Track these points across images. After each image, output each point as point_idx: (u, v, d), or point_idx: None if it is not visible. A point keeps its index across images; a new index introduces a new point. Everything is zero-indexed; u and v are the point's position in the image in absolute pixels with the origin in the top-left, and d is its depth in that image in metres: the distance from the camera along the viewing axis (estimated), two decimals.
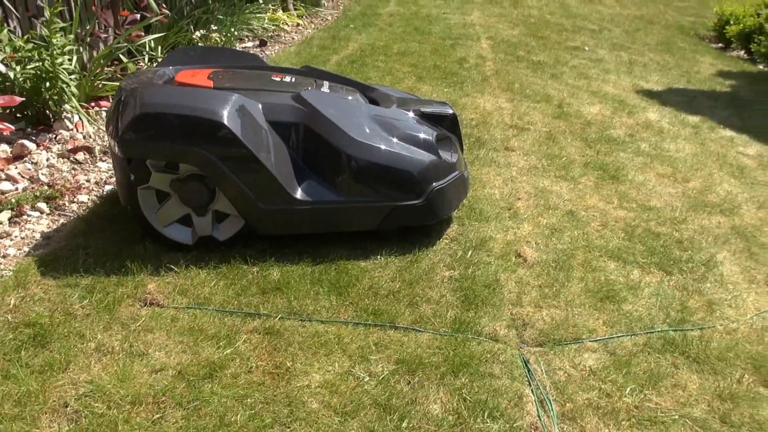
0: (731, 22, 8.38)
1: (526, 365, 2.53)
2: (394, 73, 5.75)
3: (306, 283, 2.86)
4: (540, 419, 2.30)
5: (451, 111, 3.42)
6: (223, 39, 6.31)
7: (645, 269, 3.22)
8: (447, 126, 3.38)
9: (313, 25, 7.90)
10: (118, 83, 4.95)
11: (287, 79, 3.30)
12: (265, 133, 2.85)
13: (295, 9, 8.28)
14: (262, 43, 6.80)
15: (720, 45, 8.61)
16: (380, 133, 3.02)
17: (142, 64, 5.54)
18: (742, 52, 8.26)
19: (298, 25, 7.79)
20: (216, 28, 6.35)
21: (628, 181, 4.16)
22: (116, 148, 2.80)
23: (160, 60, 3.54)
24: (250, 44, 6.79)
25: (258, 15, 7.41)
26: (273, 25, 7.43)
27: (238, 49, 3.93)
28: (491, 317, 2.76)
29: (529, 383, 2.45)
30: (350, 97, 3.26)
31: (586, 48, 7.35)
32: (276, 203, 2.89)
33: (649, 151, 4.70)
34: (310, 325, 2.64)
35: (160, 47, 5.80)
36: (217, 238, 3.04)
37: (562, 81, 6.12)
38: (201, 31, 6.24)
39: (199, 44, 4.37)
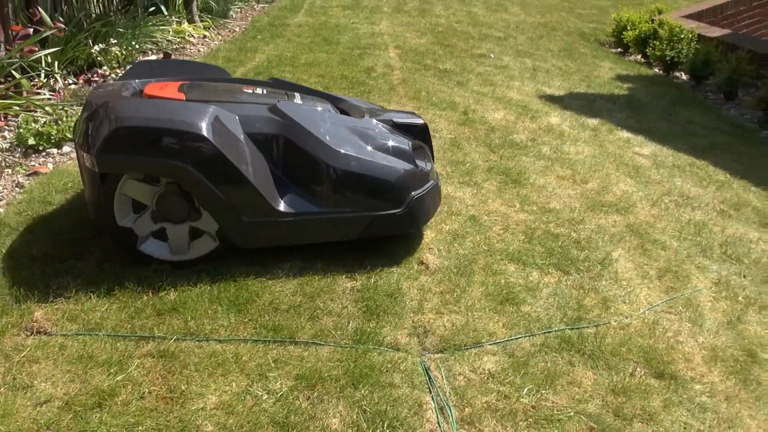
0: (628, 28, 8.74)
1: (427, 372, 2.55)
2: (300, 84, 5.72)
3: (204, 302, 2.79)
4: (440, 426, 2.31)
5: (421, 121, 3.46)
6: (124, 53, 6.13)
7: (544, 270, 3.30)
8: (418, 136, 3.40)
9: (220, 37, 7.79)
10: (10, 101, 4.73)
11: (259, 91, 3.29)
12: (243, 145, 2.81)
13: (202, 21, 8.14)
14: (166, 56, 6.64)
15: (619, 50, 8.98)
16: (358, 143, 3.04)
17: (37, 80, 5.31)
18: (639, 57, 8.64)
19: (204, 37, 7.65)
20: (116, 41, 6.16)
21: (529, 185, 4.27)
22: (90, 163, 2.71)
23: (121, 73, 3.42)
24: (153, 57, 6.62)
25: (162, 27, 7.25)
26: (178, 38, 7.28)
27: (199, 61, 3.85)
28: (393, 326, 2.76)
29: (430, 390, 2.46)
30: (323, 108, 3.23)
31: (492, 55, 7.53)
32: (258, 215, 2.86)
33: (550, 154, 4.84)
34: (207, 345, 2.57)
35: (57, 62, 5.58)
36: (187, 256, 3.00)
37: (468, 88, 6.24)
38: (100, 45, 6.04)
39: (154, 57, 4.17)
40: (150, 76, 3.33)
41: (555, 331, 2.86)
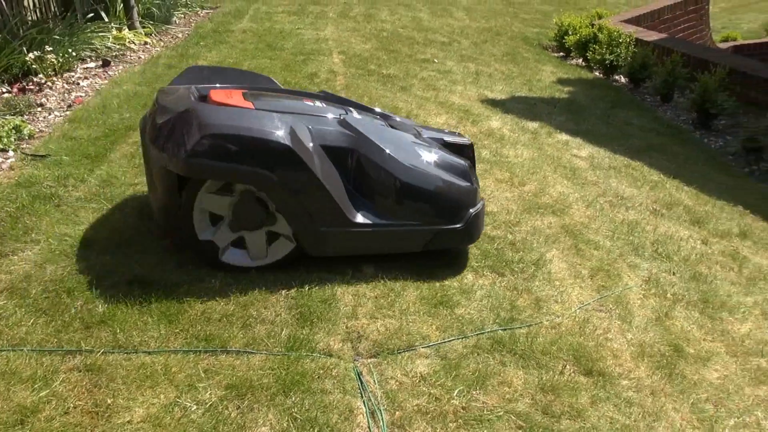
0: (569, 33, 8.92)
1: (359, 377, 2.56)
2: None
3: (134, 314, 2.75)
4: (370, 430, 2.33)
5: (468, 141, 3.57)
6: (60, 60, 6.00)
7: (479, 273, 3.35)
8: (464, 155, 3.48)
9: (162, 44, 7.68)
10: None
11: (318, 104, 3.34)
12: (319, 156, 2.90)
13: (143, 27, 8.01)
14: (105, 63, 6.52)
15: (561, 54, 9.15)
16: (423, 160, 3.13)
17: None
18: (580, 60, 8.82)
19: (145, 43, 7.53)
20: (51, 48, 6.03)
21: None
22: (174, 166, 2.76)
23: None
24: (92, 64, 6.50)
25: (101, 34, 7.11)
26: (118, 45, 7.15)
27: (247, 70, 3.81)
28: (326, 332, 2.77)
29: (361, 395, 2.48)
30: (384, 124, 3.34)
31: (436, 60, 7.59)
32: (334, 225, 2.94)
33: (489, 157, 4.91)
34: (136, 357, 2.53)
35: None
36: (221, 257, 3.06)
37: (411, 93, 6.28)
38: (35, 52, 5.90)
39: (205, 64, 3.98)
40: (201, 81, 3.36)
41: (488, 332, 2.90)
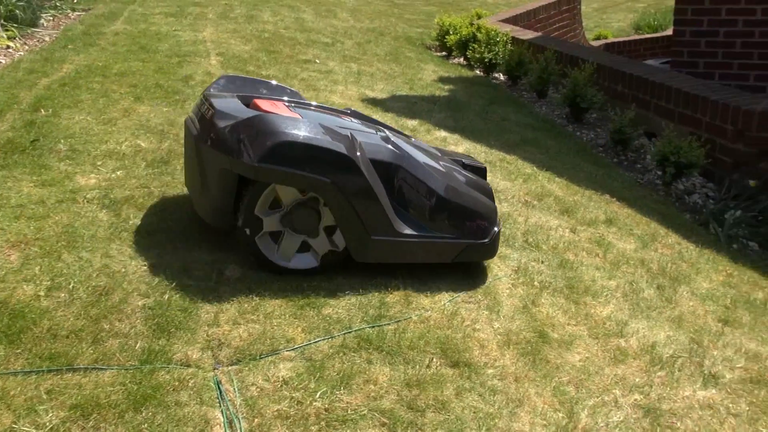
0: (451, 32, 9.10)
1: (218, 386, 2.46)
2: (109, 95, 5.42)
3: None
4: None
5: (483, 166, 3.83)
6: None
7: (349, 272, 3.31)
8: (482, 177, 3.75)
9: (27, 47, 7.24)
10: None
11: (355, 121, 3.56)
12: (371, 170, 3.10)
13: (6, 30, 7.52)
14: None
15: (443, 53, 9.32)
16: (458, 179, 3.41)
17: None
18: (462, 59, 9.01)
19: (8, 47, 7.08)
20: None
21: None
22: (244, 170, 2.93)
23: (211, 85, 3.61)
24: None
25: None
26: None
27: (276, 83, 3.82)
28: (185, 342, 2.65)
29: (220, 405, 2.38)
30: (418, 144, 3.63)
31: (317, 61, 7.54)
32: (384, 234, 3.13)
33: None
34: None
35: None
36: (289, 265, 3.19)
37: None
38: None
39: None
40: (237, 90, 3.52)
41: (355, 330, 2.87)
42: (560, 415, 2.64)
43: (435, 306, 3.16)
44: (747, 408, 2.87)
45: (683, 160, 5.67)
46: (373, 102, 6.38)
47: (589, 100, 6.81)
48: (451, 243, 3.32)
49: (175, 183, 3.95)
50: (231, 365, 2.58)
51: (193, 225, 3.49)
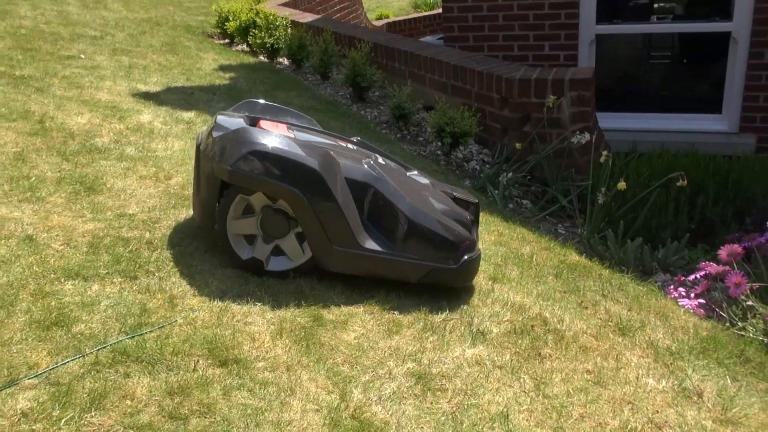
0: (230, 19, 8.84)
1: None
2: None
3: None
4: None
5: (475, 200, 4.00)
6: None
7: (106, 280, 3.07)
8: (470, 211, 3.91)
9: None
10: None
11: (350, 146, 3.81)
12: (343, 187, 3.34)
13: None
14: None
15: (226, 41, 9.05)
16: (432, 205, 3.56)
17: None
18: (245, 46, 8.80)
19: None
20: None
21: (106, 191, 3.98)
22: (222, 174, 3.23)
23: (234, 106, 3.91)
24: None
25: None
26: None
27: (298, 112, 4.01)
28: None
29: None
30: (404, 171, 3.85)
31: (83, 56, 6.97)
32: (345, 246, 3.33)
33: (134, 154, 4.60)
34: None
35: None
36: (266, 267, 3.39)
37: (49, 94, 5.66)
38: None
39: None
40: (255, 113, 3.79)
41: (111, 344, 2.65)
42: (333, 396, 2.62)
43: (203, 305, 3.02)
44: (510, 358, 3.04)
45: (457, 129, 5.95)
46: (146, 96, 6.02)
47: (369, 79, 6.93)
48: (416, 264, 3.44)
49: None
50: None
51: None
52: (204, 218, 3.52)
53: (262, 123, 3.61)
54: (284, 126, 3.69)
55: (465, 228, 3.66)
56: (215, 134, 3.43)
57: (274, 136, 3.32)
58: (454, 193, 4.05)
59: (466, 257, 3.54)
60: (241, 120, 3.62)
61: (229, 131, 3.40)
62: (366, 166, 3.57)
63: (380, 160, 3.86)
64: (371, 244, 3.42)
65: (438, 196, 3.80)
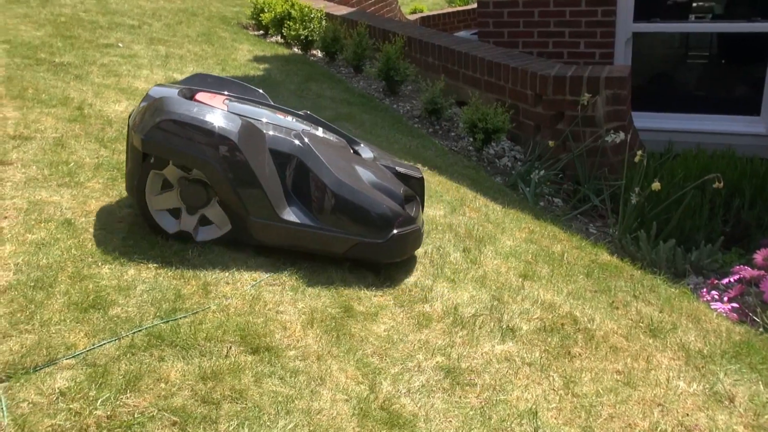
0: (265, 10, 8.89)
1: None
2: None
3: None
4: None
5: (420, 175, 3.96)
6: None
7: (143, 265, 3.12)
8: (413, 186, 3.87)
9: None
10: None
11: (289, 119, 3.74)
12: (264, 157, 3.30)
13: None
14: None
15: (260, 32, 9.10)
16: (358, 177, 3.49)
17: None
18: (279, 38, 8.85)
19: None
20: None
21: None
22: (138, 144, 3.17)
23: (182, 79, 3.97)
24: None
25: None
26: None
27: (247, 84, 4.05)
28: None
29: None
30: (337, 142, 3.78)
31: (121, 45, 7.08)
32: (263, 217, 3.29)
33: None
34: None
35: None
36: (196, 238, 3.38)
37: (87, 81, 5.76)
38: None
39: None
40: (203, 86, 3.74)
41: (146, 328, 2.70)
42: (363, 387, 2.65)
43: (236, 293, 3.06)
44: (540, 356, 3.03)
45: (490, 126, 5.93)
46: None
47: (402, 73, 6.93)
48: (340, 237, 3.39)
49: None
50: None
51: None
52: (131, 192, 3.46)
53: (199, 95, 3.52)
54: (221, 97, 3.60)
55: (395, 200, 3.56)
56: (142, 104, 3.39)
57: (191, 106, 3.23)
58: (397, 168, 3.96)
59: (395, 232, 3.45)
60: (174, 91, 3.51)
61: (151, 101, 3.34)
62: (294, 138, 3.51)
63: (319, 133, 3.79)
64: (291, 216, 3.36)
65: (374, 170, 3.70)
